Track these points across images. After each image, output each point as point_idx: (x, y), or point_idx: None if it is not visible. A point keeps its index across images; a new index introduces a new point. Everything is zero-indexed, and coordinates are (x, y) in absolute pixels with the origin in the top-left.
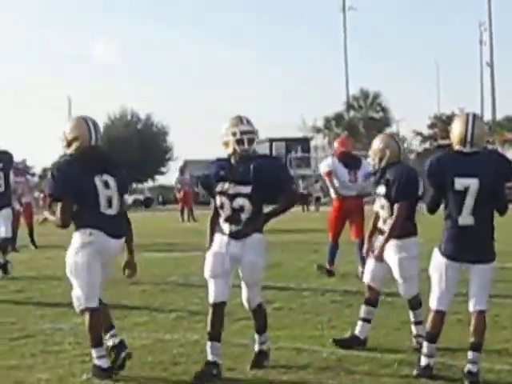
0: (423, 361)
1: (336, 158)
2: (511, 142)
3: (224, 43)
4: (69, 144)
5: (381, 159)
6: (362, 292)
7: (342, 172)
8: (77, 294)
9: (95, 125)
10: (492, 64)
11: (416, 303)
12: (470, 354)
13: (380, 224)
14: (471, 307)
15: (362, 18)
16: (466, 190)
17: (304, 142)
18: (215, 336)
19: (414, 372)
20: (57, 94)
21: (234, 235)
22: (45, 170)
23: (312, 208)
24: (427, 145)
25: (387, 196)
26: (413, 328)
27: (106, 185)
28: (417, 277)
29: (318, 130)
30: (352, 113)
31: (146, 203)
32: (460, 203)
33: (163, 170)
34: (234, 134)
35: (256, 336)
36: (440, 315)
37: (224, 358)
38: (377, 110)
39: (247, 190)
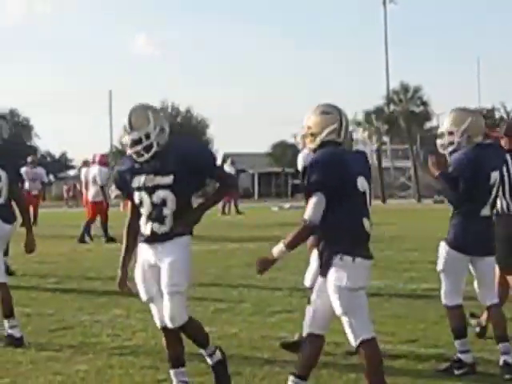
0: (468, 358)
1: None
2: None
3: (266, 37)
4: None
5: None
6: (401, 287)
7: None
8: None
9: None
10: None
11: None
12: (500, 346)
13: None
14: (488, 302)
15: (403, 11)
16: (495, 182)
17: None
18: (177, 362)
19: (456, 372)
20: (97, 87)
21: (156, 237)
22: (85, 163)
23: None
24: None
25: None
26: None
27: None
28: None
29: (358, 124)
30: (392, 107)
31: None
32: (488, 195)
33: None
34: (126, 146)
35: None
36: (462, 309)
37: (263, 350)
38: (417, 104)
39: (168, 180)
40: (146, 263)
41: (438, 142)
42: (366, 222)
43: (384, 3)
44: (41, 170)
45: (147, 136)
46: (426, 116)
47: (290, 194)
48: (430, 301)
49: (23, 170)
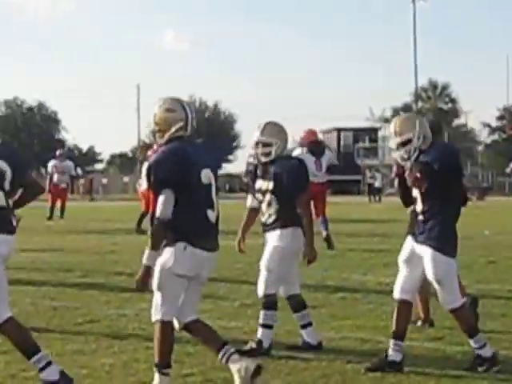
0: (487, 352)
1: (305, 148)
2: None
3: (294, 32)
4: None
5: (269, 152)
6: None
7: (310, 161)
8: None
9: None
10: None
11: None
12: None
13: (265, 219)
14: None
15: (432, 8)
16: None
17: (372, 132)
18: None
19: (480, 368)
20: (126, 82)
21: None
22: (113, 157)
23: (371, 198)
24: (495, 136)
25: (275, 191)
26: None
27: None
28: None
29: (386, 120)
30: (420, 104)
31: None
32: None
33: (230, 157)
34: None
35: None
36: (466, 307)
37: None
38: (445, 101)
39: None
40: None
41: (397, 154)
42: (210, 213)
43: (413, 0)
44: (69, 163)
45: None
46: (455, 113)
47: None
48: None
49: (52, 163)
